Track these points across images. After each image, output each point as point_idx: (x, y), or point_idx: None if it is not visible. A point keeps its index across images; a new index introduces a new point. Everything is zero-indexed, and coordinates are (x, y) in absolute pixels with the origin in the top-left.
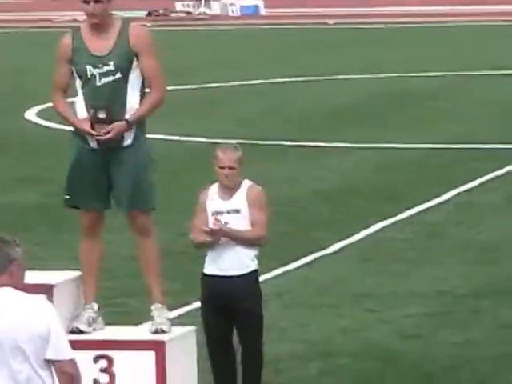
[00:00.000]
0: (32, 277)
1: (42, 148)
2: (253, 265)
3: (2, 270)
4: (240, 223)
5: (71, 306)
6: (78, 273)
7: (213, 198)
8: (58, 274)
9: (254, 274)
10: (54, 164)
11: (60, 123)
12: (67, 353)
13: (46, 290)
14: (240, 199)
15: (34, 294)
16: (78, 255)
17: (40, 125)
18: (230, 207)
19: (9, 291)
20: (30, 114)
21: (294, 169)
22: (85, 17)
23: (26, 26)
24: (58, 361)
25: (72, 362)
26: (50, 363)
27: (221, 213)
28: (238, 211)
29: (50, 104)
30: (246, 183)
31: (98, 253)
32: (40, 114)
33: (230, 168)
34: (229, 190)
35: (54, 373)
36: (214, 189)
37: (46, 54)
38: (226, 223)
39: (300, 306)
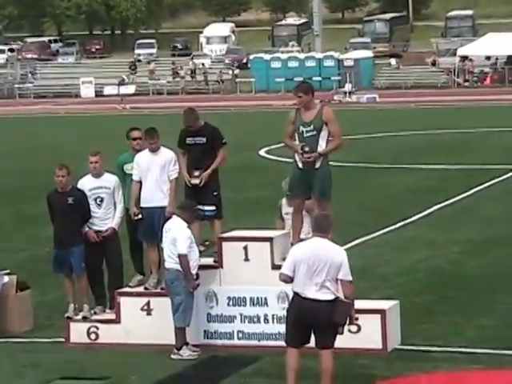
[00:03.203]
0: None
1: (269, 172)
2: None
3: (327, 231)
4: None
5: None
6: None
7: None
8: (276, 232)
9: None
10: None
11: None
12: (348, 277)
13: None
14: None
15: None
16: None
17: (268, 158)
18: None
19: (325, 240)
20: (262, 152)
21: None
22: None
23: None
24: (344, 280)
25: (350, 282)
26: (338, 280)
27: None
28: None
29: (278, 145)
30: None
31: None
32: (269, 152)
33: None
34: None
35: (339, 287)
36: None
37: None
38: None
39: (398, 248)
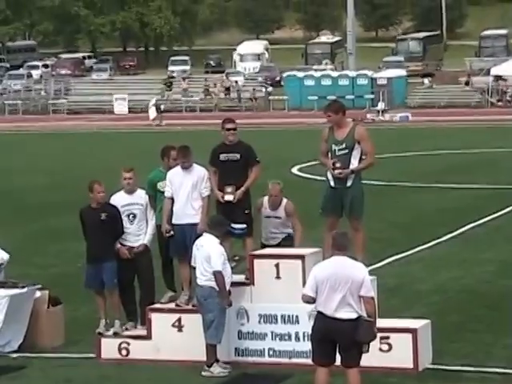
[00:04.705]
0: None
1: (301, 190)
2: None
3: (346, 248)
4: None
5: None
6: (317, 249)
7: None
8: (308, 250)
9: None
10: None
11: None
12: (370, 293)
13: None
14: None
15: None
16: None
17: (301, 176)
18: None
19: (345, 258)
20: (295, 170)
21: None
22: None
23: None
24: (365, 296)
25: (372, 298)
26: (360, 297)
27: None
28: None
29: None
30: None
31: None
32: (301, 170)
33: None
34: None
35: (361, 303)
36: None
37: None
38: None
39: (430, 266)
